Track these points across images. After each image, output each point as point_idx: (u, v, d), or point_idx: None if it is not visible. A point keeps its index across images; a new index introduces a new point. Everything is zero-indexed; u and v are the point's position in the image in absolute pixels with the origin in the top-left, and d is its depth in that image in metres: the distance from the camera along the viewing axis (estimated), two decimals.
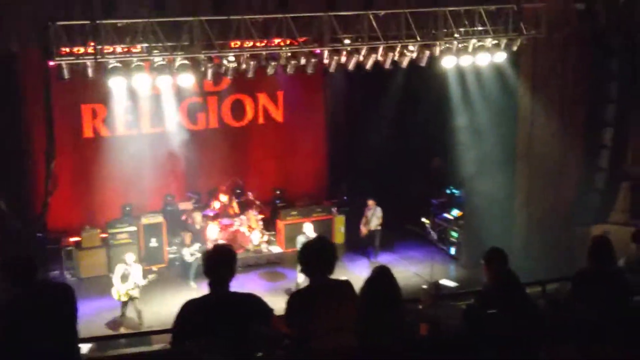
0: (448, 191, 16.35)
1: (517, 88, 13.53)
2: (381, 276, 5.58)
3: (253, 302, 4.96)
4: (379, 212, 14.82)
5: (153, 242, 15.15)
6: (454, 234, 15.30)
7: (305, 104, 17.62)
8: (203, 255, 5.10)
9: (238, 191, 16.45)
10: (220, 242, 13.45)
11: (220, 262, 4.95)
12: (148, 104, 15.97)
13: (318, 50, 12.32)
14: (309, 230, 13.11)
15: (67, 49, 10.76)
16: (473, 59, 12.67)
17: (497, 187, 13.98)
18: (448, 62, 12.66)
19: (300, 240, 13.09)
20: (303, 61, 12.22)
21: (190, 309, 4.83)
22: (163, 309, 12.36)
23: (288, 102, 17.46)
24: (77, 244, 14.74)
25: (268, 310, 4.97)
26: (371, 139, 17.22)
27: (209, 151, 16.81)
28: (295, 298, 5.07)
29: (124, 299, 11.93)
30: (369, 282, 5.44)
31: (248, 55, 11.81)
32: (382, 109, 17.27)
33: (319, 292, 4.98)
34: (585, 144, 13.59)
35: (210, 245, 12.92)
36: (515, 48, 12.72)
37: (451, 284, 13.50)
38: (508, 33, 12.51)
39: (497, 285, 5.95)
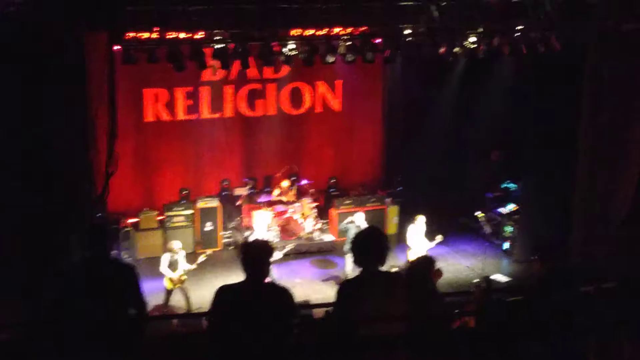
0: (504, 185, 16.18)
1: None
2: (420, 266, 5.66)
3: (283, 297, 5.11)
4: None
5: (208, 226, 15.43)
6: (508, 228, 15.15)
7: (363, 93, 17.63)
8: (241, 247, 5.29)
9: (293, 178, 16.61)
10: (266, 234, 13.50)
11: (256, 259, 5.13)
12: (208, 90, 16.28)
13: (377, 40, 12.35)
14: (359, 220, 13.16)
15: (133, 34, 11.08)
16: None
17: (555, 183, 13.77)
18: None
19: (348, 227, 13.15)
20: (363, 51, 12.29)
21: (223, 295, 5.11)
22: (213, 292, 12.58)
23: (346, 91, 17.49)
24: (135, 225, 15.11)
25: (294, 308, 5.16)
26: (430, 130, 17.15)
27: (266, 138, 17.00)
28: (346, 286, 5.16)
29: (177, 286, 11.92)
30: (409, 271, 5.52)
31: (307, 44, 11.93)
32: (442, 99, 17.20)
33: (368, 282, 5.04)
34: None
35: (260, 233, 13.10)
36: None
37: (504, 278, 13.40)
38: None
39: (548, 279, 5.92)
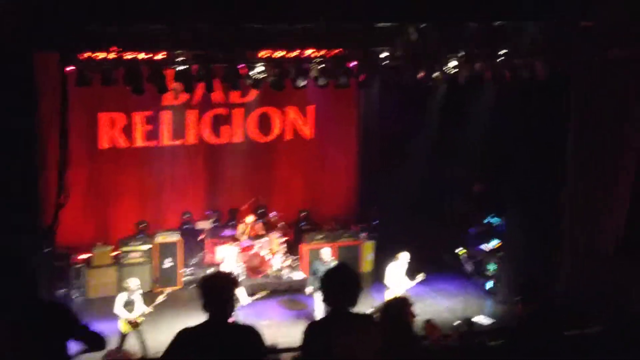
0: (488, 219, 16.28)
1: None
2: (396, 308, 5.67)
3: (249, 338, 5.01)
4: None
5: (168, 263, 15.32)
6: (492, 266, 15.23)
7: (337, 120, 17.79)
8: (201, 281, 5.18)
9: (261, 211, 16.58)
10: (228, 266, 13.49)
11: (218, 293, 5.04)
12: (169, 115, 16.31)
13: (352, 64, 12.48)
14: (326, 255, 13.18)
15: (88, 54, 11.07)
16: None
17: (541, 215, 13.90)
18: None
19: (317, 266, 13.18)
20: (336, 75, 12.41)
21: (184, 337, 4.98)
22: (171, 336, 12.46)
23: (319, 117, 17.65)
24: (87, 262, 14.96)
25: (262, 350, 5.04)
26: (408, 159, 17.26)
27: (231, 167, 17.04)
28: (312, 328, 5.13)
29: (133, 329, 11.75)
30: (383, 312, 5.53)
31: (277, 66, 12.02)
32: (422, 127, 17.36)
33: (337, 324, 5.04)
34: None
35: (223, 268, 13.05)
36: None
37: (486, 320, 13.42)
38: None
39: (530, 323, 5.95)
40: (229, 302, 5.05)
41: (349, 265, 5.47)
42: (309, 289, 13.10)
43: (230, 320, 5.08)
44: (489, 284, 15.19)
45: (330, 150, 17.95)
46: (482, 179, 16.93)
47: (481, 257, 15.71)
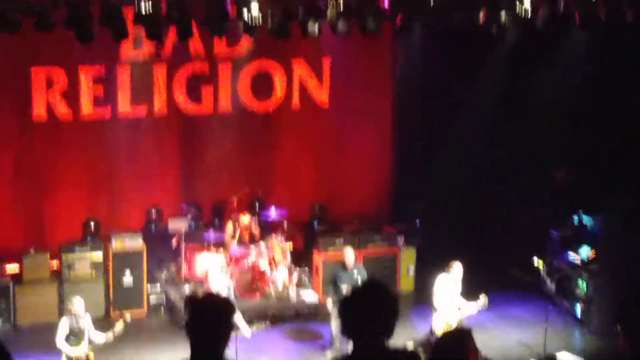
0: (576, 219, 16.20)
1: None
2: (452, 344, 5.61)
3: None
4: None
5: (127, 278, 15.33)
6: (582, 284, 15.15)
7: (363, 81, 17.70)
8: (186, 307, 5.15)
9: (257, 206, 16.57)
10: (219, 287, 13.50)
11: (210, 323, 5.01)
12: (128, 72, 16.31)
13: (385, 2, 12.42)
14: (349, 258, 13.36)
15: None
16: None
17: None
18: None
19: (337, 272, 13.30)
20: (362, 17, 12.35)
21: None
22: None
23: (338, 76, 17.57)
24: (16, 277, 14.95)
25: None
26: (462, 137, 17.19)
27: (216, 146, 17.02)
28: None
29: None
30: (434, 350, 5.47)
31: (279, 5, 11.98)
32: (481, 92, 17.29)
33: None
34: None
35: (204, 289, 13.06)
36: None
37: (574, 359, 13.37)
38: None
39: None
40: (224, 336, 5.03)
41: (380, 281, 5.40)
42: (329, 303, 13.21)
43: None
44: (578, 309, 15.12)
45: (355, 123, 17.90)
46: (567, 164, 16.84)
47: (567, 271, 15.62)
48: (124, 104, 16.45)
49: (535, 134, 16.75)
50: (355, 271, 13.52)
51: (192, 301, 5.14)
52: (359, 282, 13.03)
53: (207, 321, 4.98)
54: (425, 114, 17.58)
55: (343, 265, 13.43)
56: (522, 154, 17.09)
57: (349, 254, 13.49)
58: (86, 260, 15.21)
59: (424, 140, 17.75)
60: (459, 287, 12.87)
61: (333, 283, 13.37)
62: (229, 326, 5.05)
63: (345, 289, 12.72)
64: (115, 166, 16.52)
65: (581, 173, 16.55)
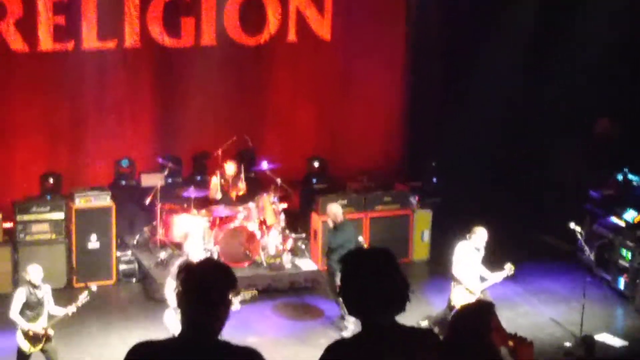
0: (620, 177, 16.20)
1: None
2: (471, 320, 5.61)
3: None
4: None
5: (93, 242, 15.33)
6: (627, 253, 15.17)
7: (372, 13, 17.62)
8: (180, 274, 5.11)
9: (245, 158, 16.54)
10: (207, 250, 13.49)
11: (202, 291, 4.97)
12: (95, 1, 16.16)
13: None
14: (335, 212, 13.45)
15: None
16: None
17: None
18: None
19: (329, 238, 13.44)
20: None
21: (138, 357, 4.88)
22: (104, 357, 12.52)
23: (341, 5, 17.48)
24: None
25: None
26: (486, 82, 17.15)
27: (198, 86, 16.96)
28: (335, 354, 5.07)
29: (35, 348, 11.63)
30: (450, 328, 5.46)
31: None
32: (508, 31, 17.25)
33: (375, 346, 4.97)
34: None
35: (188, 258, 13.03)
36: None
37: (617, 341, 13.42)
38: None
39: None
40: (223, 310, 4.99)
41: (388, 249, 5.36)
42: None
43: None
44: (622, 282, 15.13)
45: (362, 63, 17.80)
46: (610, 114, 16.81)
47: (609, 238, 15.62)
48: (89, 37, 16.34)
49: (572, 79, 16.71)
50: (348, 233, 13.61)
51: (187, 268, 5.10)
52: (353, 242, 13.23)
53: (205, 292, 4.93)
54: (443, 55, 17.54)
55: (331, 226, 13.58)
56: (558, 100, 17.10)
57: (336, 210, 13.57)
58: (45, 220, 15.19)
59: (441, 84, 17.71)
60: (480, 256, 12.88)
61: (328, 250, 13.53)
62: (227, 297, 5.01)
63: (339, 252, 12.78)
64: (78, 111, 16.47)
65: (627, 125, 16.53)
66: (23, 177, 15.93)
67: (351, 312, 5.09)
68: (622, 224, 15.50)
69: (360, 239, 13.84)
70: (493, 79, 17.11)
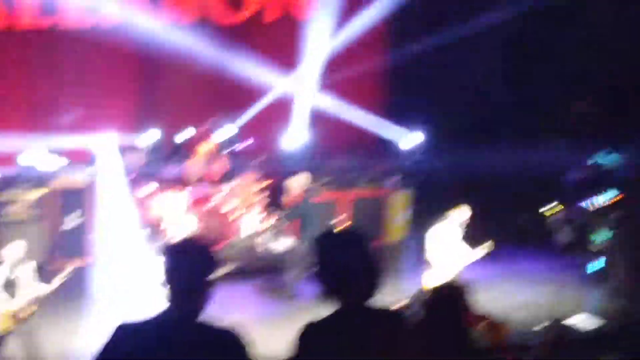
0: (597, 159, 16.28)
1: None
2: (442, 301, 5.69)
3: (227, 344, 5.05)
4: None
5: (72, 220, 15.40)
6: (603, 234, 15.26)
7: None
8: (165, 253, 5.16)
9: (227, 135, 16.59)
10: (187, 230, 13.57)
11: (185, 270, 5.03)
12: None
13: None
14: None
15: None
16: None
17: None
18: None
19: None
20: None
21: (121, 339, 4.92)
22: (80, 339, 12.51)
23: None
24: None
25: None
26: (470, 66, 17.18)
27: (178, 63, 16.97)
28: (307, 336, 5.13)
29: (14, 327, 11.58)
30: (424, 309, 5.54)
31: None
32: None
33: (346, 327, 5.06)
34: None
35: (168, 237, 13.12)
36: None
37: (590, 322, 13.52)
38: None
39: None
40: (207, 288, 5.09)
41: (361, 232, 5.41)
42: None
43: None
44: (597, 264, 15.24)
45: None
46: (588, 93, 16.88)
47: (585, 219, 15.73)
48: (71, 13, 16.39)
49: (552, 55, 16.81)
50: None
51: (170, 248, 5.16)
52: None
53: (187, 273, 5.01)
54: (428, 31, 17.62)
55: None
56: (538, 81, 17.18)
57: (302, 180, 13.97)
58: (23, 199, 15.24)
59: (427, 68, 17.75)
60: (458, 238, 12.94)
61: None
62: (210, 280, 5.09)
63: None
64: (57, 86, 16.57)
65: (603, 103, 16.62)
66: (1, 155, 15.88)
67: (322, 293, 5.15)
68: (598, 204, 15.60)
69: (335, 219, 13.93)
70: (477, 58, 17.23)
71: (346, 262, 5.07)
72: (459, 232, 12.94)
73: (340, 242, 5.25)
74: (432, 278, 12.56)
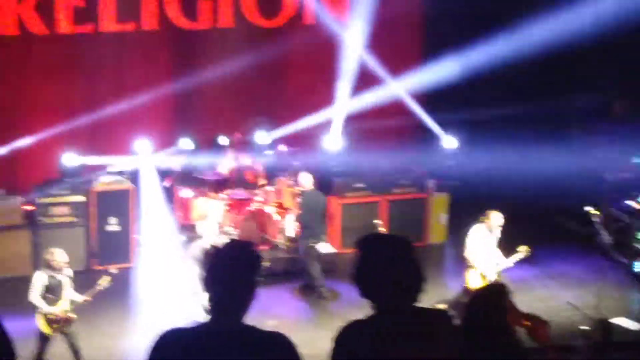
0: (637, 159, 16.17)
1: None
2: (485, 302, 5.66)
3: (276, 348, 4.95)
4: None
5: (113, 224, 15.42)
6: None
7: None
8: (205, 259, 5.16)
9: (264, 141, 16.54)
10: (228, 234, 13.56)
11: (230, 273, 4.96)
12: None
13: None
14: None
15: None
16: None
17: None
18: None
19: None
20: None
21: (167, 345, 4.87)
22: (123, 342, 12.61)
23: None
24: None
25: None
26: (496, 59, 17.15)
27: (217, 67, 16.77)
28: (347, 337, 5.05)
29: (56, 332, 11.60)
30: (466, 310, 5.51)
31: None
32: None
33: (388, 329, 4.99)
34: None
35: (210, 241, 13.09)
36: None
37: (633, 325, 13.45)
38: None
39: None
40: (250, 292, 5.06)
41: (406, 238, 5.36)
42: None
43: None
44: (638, 265, 15.14)
45: (381, 40, 17.75)
46: (629, 94, 16.77)
47: (627, 220, 15.65)
48: (108, 18, 16.38)
49: (589, 54, 16.70)
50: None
51: (214, 252, 5.14)
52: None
53: (233, 276, 4.96)
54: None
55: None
56: (575, 78, 17.09)
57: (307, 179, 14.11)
58: (65, 203, 15.25)
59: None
60: (495, 240, 12.89)
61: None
62: (254, 278, 5.04)
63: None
64: (97, 92, 16.54)
65: None
66: (44, 158, 15.93)
67: (364, 296, 5.10)
68: (638, 207, 15.51)
69: (378, 222, 13.89)
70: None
71: (389, 265, 5.05)
72: (496, 235, 12.90)
73: (383, 245, 5.23)
74: (474, 279, 12.54)
